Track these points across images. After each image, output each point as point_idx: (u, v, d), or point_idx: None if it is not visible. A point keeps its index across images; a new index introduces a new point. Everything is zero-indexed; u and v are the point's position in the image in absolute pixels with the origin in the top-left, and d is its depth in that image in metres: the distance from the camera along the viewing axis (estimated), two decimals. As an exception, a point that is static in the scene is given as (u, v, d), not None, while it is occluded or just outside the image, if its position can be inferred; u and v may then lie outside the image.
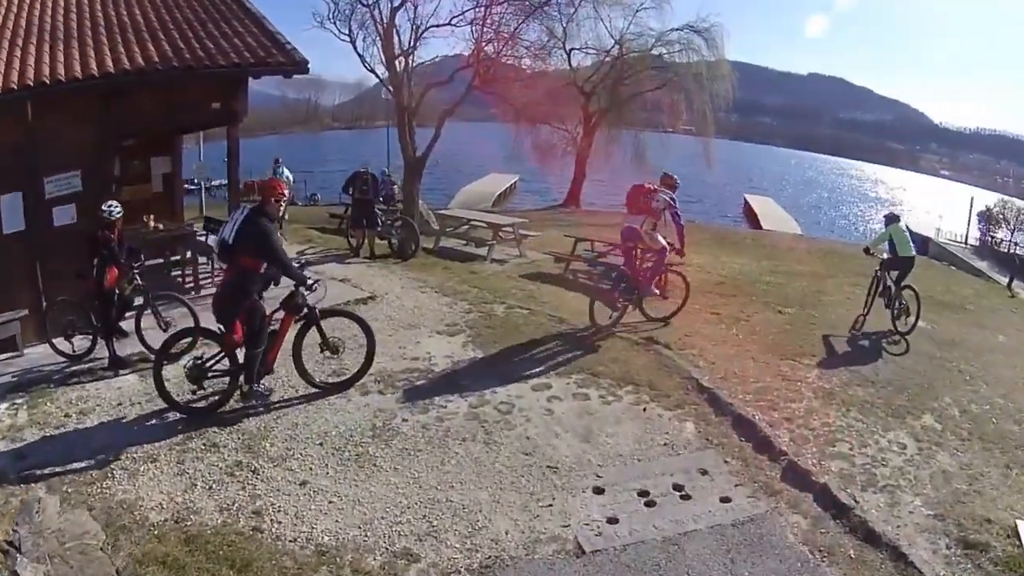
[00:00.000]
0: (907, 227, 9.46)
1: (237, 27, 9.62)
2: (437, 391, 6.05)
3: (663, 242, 7.90)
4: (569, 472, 4.89)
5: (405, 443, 5.13)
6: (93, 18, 9.21)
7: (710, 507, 4.61)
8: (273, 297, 5.96)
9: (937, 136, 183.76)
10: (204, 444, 5.14)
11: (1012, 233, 32.30)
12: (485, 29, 17.18)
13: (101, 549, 3.75)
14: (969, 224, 35.25)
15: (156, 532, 4.04)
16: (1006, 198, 35.89)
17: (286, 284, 5.80)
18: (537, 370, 6.63)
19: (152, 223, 9.37)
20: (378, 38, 16.53)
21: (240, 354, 5.47)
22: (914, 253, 9.02)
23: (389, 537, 4.14)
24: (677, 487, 4.83)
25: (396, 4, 16.46)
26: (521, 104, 22.17)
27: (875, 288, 8.93)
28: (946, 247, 32.32)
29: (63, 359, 6.81)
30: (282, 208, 6.38)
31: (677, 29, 26.79)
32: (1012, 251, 30.67)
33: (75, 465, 4.78)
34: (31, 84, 7.26)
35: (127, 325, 6.98)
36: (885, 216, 9.64)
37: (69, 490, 4.49)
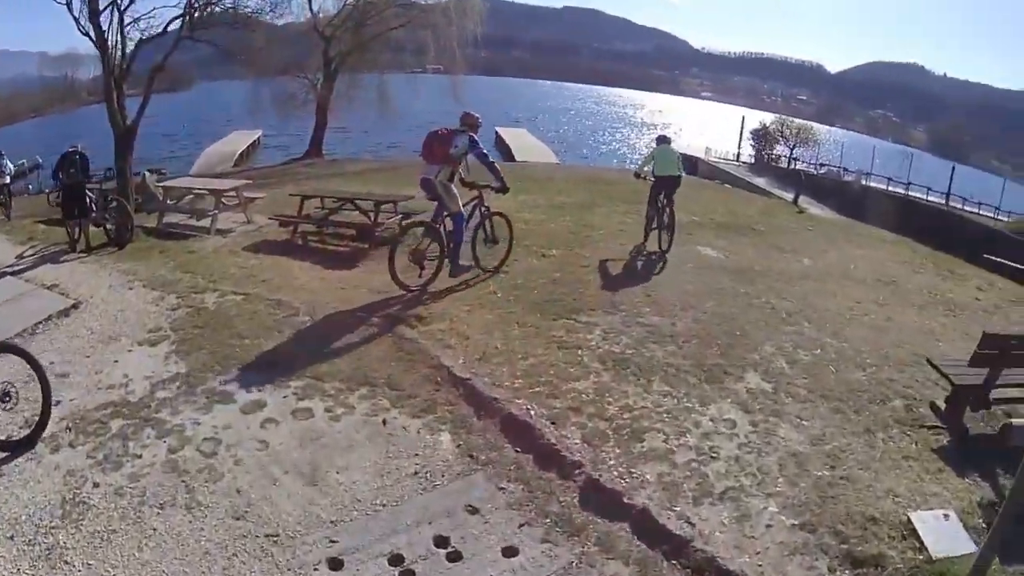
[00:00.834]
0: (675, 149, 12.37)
1: None
2: (132, 433, 6.07)
3: (460, 205, 9.15)
4: (294, 540, 4.81)
5: (96, 522, 5.01)
6: None
7: (490, 568, 4.52)
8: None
9: (699, 61, 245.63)
10: None
11: (792, 150, 40.10)
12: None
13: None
14: (741, 142, 43.06)
15: None
16: (784, 117, 44.67)
17: None
18: (249, 382, 6.80)
19: None
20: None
21: None
22: (669, 173, 11.64)
23: None
24: (440, 542, 4.76)
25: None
26: (254, 53, 27.68)
27: (647, 209, 11.86)
28: (717, 166, 39.55)
29: None
30: None
31: None
32: (793, 167, 37.86)
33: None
34: None
35: None
36: (656, 138, 12.44)
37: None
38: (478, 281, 9.57)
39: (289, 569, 4.60)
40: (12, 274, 10.61)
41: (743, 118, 44.59)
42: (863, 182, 36.08)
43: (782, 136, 41.42)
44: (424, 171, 8.94)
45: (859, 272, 12.27)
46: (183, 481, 5.48)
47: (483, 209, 9.66)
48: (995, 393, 6.20)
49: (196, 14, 20.42)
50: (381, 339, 7.60)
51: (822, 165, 41.13)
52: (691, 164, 43.59)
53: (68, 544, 4.91)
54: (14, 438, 6.13)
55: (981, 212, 35.26)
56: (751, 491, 5.08)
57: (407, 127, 43.97)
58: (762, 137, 42.16)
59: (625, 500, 4.97)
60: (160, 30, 19.93)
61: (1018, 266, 16.63)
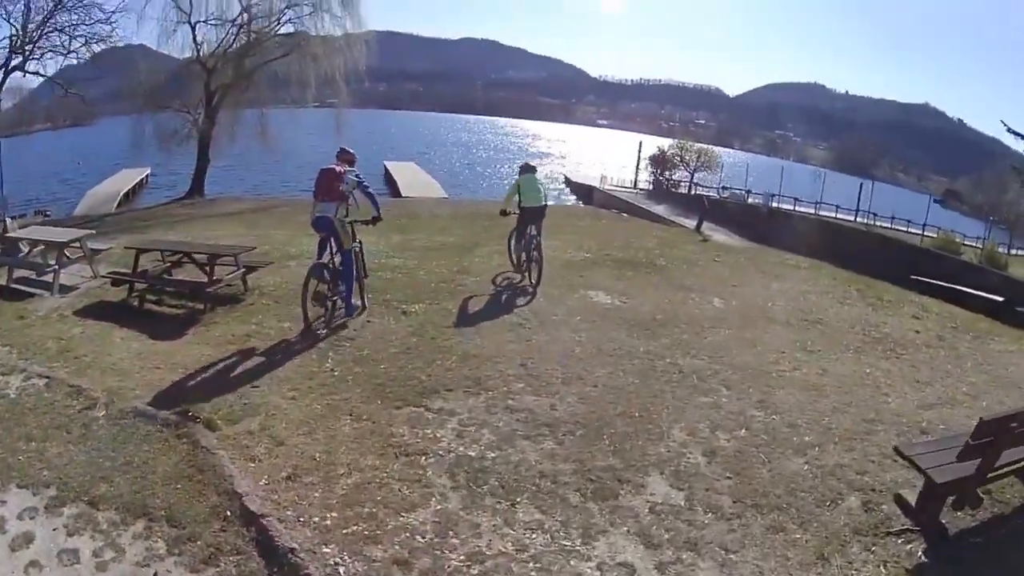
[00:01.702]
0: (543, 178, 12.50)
1: None
2: None
3: (351, 242, 9.28)
4: None
5: None
6: None
7: None
8: None
9: (595, 89, 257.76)
10: None
11: (692, 174, 39.85)
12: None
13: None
14: (638, 169, 42.71)
15: None
16: (682, 141, 44.54)
17: None
18: (24, 505, 5.59)
19: None
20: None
21: None
22: (542, 204, 11.47)
23: None
24: None
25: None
26: (131, 88, 31.11)
27: (514, 244, 11.71)
28: (613, 194, 38.84)
29: None
30: None
31: None
32: (695, 191, 37.47)
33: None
34: None
35: None
36: (520, 167, 12.08)
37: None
38: (289, 355, 8.16)
39: None
40: None
41: (640, 143, 44.31)
42: (771, 204, 35.90)
43: (681, 160, 41.23)
44: (320, 210, 8.90)
45: (779, 310, 11.04)
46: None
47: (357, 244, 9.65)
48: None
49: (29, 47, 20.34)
50: (175, 446, 6.27)
51: (725, 188, 41.11)
52: (586, 193, 43.46)
53: None
54: None
55: (895, 227, 35.67)
56: None
57: (296, 164, 44.60)
58: (660, 162, 41.84)
59: None
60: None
61: (949, 286, 15.88)
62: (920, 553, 4.73)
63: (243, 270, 11.00)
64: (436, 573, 4.54)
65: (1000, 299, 15.17)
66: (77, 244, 13.38)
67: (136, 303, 10.92)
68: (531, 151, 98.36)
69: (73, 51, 26.91)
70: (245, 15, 33.20)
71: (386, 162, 55.11)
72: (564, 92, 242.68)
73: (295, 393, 7.05)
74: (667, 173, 41.60)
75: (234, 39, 33.32)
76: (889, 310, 11.91)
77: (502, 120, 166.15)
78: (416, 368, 7.60)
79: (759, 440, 6.23)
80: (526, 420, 6.48)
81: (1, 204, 23.34)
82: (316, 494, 5.40)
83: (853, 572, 4.54)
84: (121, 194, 40.27)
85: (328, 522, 5.04)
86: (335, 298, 9.16)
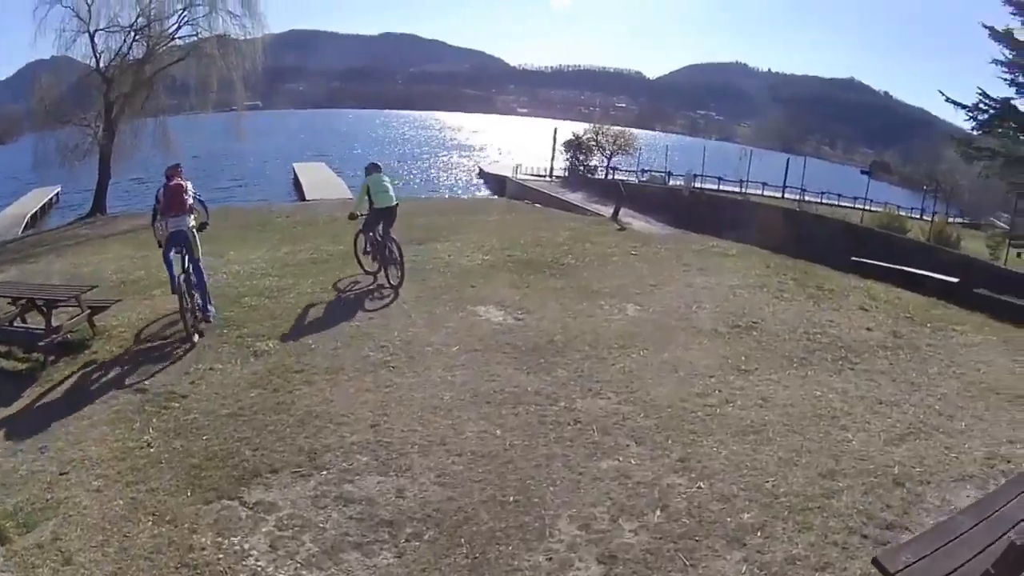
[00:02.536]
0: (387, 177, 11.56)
1: None
2: None
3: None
4: None
5: None
6: None
7: None
8: None
9: (515, 78, 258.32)
10: None
11: (609, 159, 38.29)
12: None
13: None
14: (554, 156, 40.99)
15: None
16: (598, 125, 42.80)
17: None
18: None
19: None
20: None
21: None
22: (394, 203, 11.10)
23: None
24: None
25: None
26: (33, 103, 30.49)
27: (366, 246, 11.41)
28: (527, 184, 36.97)
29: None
30: None
31: None
32: (611, 177, 35.95)
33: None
34: None
35: None
36: (365, 168, 11.64)
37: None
38: (147, 407, 6.92)
39: None
40: None
41: (555, 130, 42.47)
42: (693, 185, 34.38)
43: (597, 145, 39.55)
44: (175, 224, 9.05)
45: (706, 315, 9.44)
46: None
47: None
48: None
49: None
50: None
51: (644, 171, 39.66)
52: (499, 184, 41.87)
53: None
54: None
55: (826, 201, 34.75)
56: None
57: (205, 172, 43.24)
58: (575, 148, 40.16)
59: None
60: None
61: (896, 267, 14.58)
62: None
63: (87, 312, 9.58)
64: None
65: (954, 280, 13.88)
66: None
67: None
68: (450, 143, 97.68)
69: None
70: (141, 19, 31.87)
71: (295, 163, 53.76)
72: (485, 83, 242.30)
73: (101, 482, 5.74)
74: (583, 159, 39.93)
75: (130, 46, 31.98)
76: (833, 302, 10.58)
77: (422, 114, 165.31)
78: (243, 439, 6.16)
79: (679, 527, 4.60)
80: (362, 517, 4.98)
81: None
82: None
83: None
84: (28, 216, 38.38)
85: None
86: (196, 312, 9.05)
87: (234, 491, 5.40)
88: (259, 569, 4.53)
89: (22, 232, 33.30)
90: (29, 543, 5.10)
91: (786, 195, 36.60)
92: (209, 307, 9.29)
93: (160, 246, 9.12)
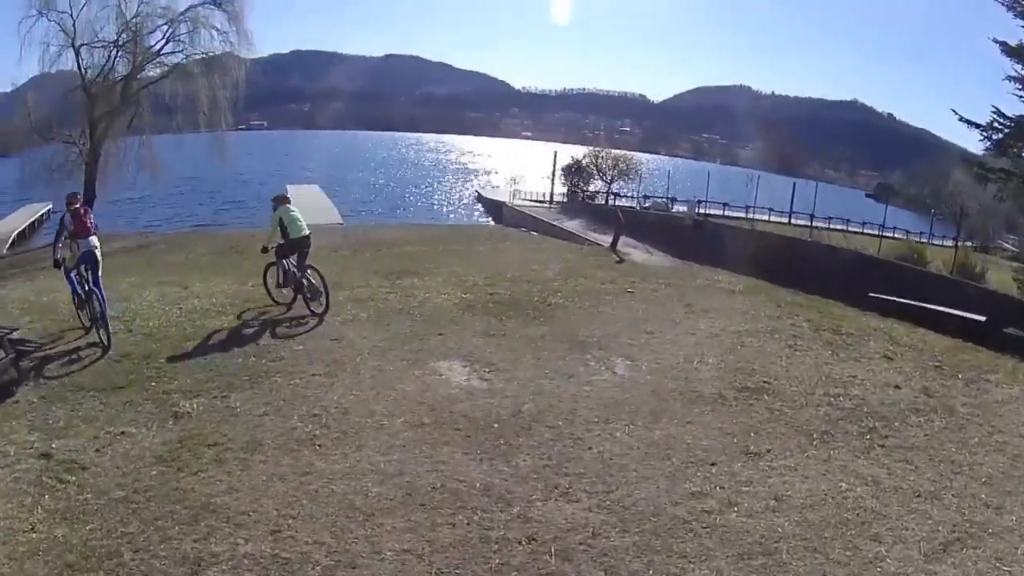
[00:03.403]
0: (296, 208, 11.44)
1: None
2: None
3: None
4: None
5: None
6: None
7: None
8: None
9: (519, 101, 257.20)
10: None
11: (609, 184, 36.80)
12: None
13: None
14: (554, 181, 39.45)
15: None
16: (598, 149, 41.11)
17: None
18: None
19: None
20: None
21: None
22: (307, 232, 11.01)
23: None
24: None
25: None
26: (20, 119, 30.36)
27: (271, 279, 11.30)
28: (523, 210, 35.47)
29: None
30: None
31: (197, 5, 31.56)
32: (612, 204, 34.52)
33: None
34: None
35: None
36: (272, 199, 11.42)
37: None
38: (45, 479, 5.99)
39: None
40: None
41: (555, 154, 40.99)
42: (697, 213, 32.84)
43: (597, 169, 37.98)
44: (87, 245, 9.84)
45: (708, 374, 8.03)
46: None
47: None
48: None
49: None
50: None
51: (646, 197, 38.17)
52: (496, 210, 40.59)
53: None
54: None
55: (832, 227, 33.32)
56: None
57: (205, 192, 44.16)
58: (575, 173, 38.67)
59: None
60: None
61: (913, 303, 13.25)
62: None
63: (12, 356, 8.74)
64: None
65: (981, 319, 12.51)
66: None
67: None
68: (453, 167, 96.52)
69: None
70: (125, 35, 31.06)
71: (288, 185, 51.41)
72: (489, 105, 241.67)
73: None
74: (582, 184, 38.42)
75: (114, 62, 31.23)
76: (853, 349, 9.31)
77: (427, 136, 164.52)
78: (127, 535, 5.08)
79: None
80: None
81: None
82: None
83: None
84: (14, 234, 38.20)
85: None
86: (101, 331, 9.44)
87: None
88: None
89: (7, 250, 32.99)
90: None
91: (793, 220, 35.13)
92: (109, 330, 9.47)
93: (57, 266, 9.69)
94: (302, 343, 9.21)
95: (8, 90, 31.91)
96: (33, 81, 31.27)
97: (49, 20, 28.34)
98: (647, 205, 36.46)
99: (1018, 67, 20.57)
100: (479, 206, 48.17)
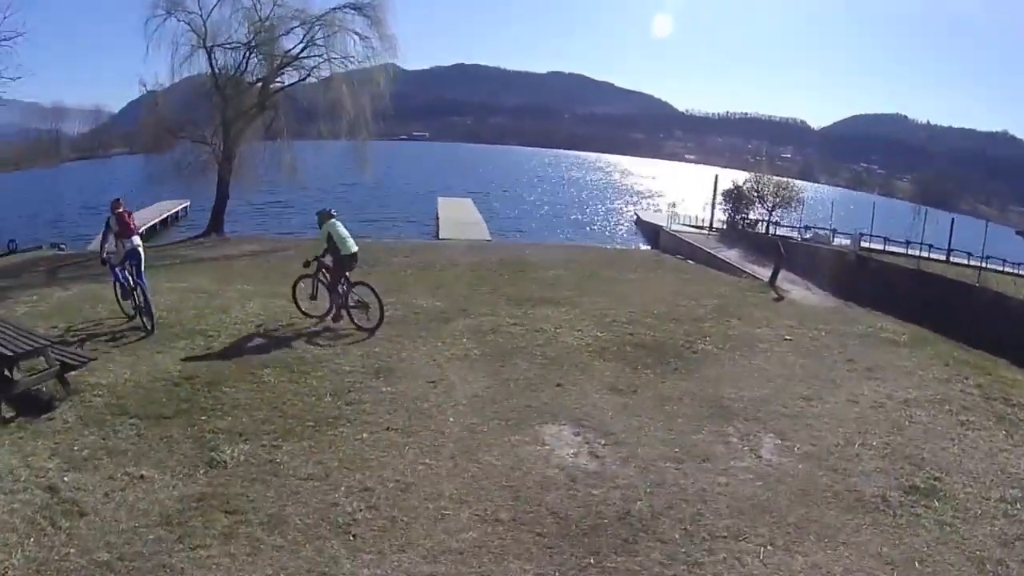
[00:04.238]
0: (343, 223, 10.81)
1: None
2: None
3: None
4: None
5: None
6: None
7: None
8: None
9: (682, 124, 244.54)
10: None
11: (770, 212, 33.40)
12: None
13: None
14: (714, 206, 36.49)
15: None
16: (759, 175, 37.55)
17: None
18: None
19: None
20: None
21: None
22: (355, 249, 10.50)
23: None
24: None
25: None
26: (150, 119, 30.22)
27: (302, 292, 10.85)
28: (680, 236, 32.49)
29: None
30: None
31: (336, 9, 29.79)
32: (772, 233, 31.36)
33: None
34: None
35: None
36: (317, 214, 10.81)
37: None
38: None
39: None
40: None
41: (715, 177, 37.72)
42: (860, 246, 29.07)
43: (758, 196, 34.41)
44: (132, 244, 10.37)
45: (871, 461, 6.38)
46: None
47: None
48: None
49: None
50: None
51: (807, 228, 34.33)
52: (653, 234, 38.12)
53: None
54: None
55: (988, 266, 28.94)
56: None
57: (353, 201, 41.90)
58: (735, 198, 35.27)
59: None
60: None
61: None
62: None
63: (55, 368, 7.62)
64: None
65: None
66: None
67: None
68: (617, 188, 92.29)
69: None
70: (259, 36, 29.67)
71: (440, 198, 48.53)
72: (652, 126, 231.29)
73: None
74: (743, 211, 35.05)
75: (248, 63, 29.90)
76: None
77: (590, 155, 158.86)
78: None
79: None
80: None
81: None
82: None
83: None
84: (142, 229, 36.20)
85: None
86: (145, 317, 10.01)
87: None
88: None
89: None
90: None
91: (952, 259, 30.74)
92: (153, 317, 10.03)
93: (103, 263, 10.53)
94: (393, 384, 7.89)
95: (142, 93, 30.53)
96: (163, 82, 29.43)
97: (178, 20, 26.97)
98: (808, 236, 32.87)
99: None
100: (639, 229, 45.78)
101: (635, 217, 52.35)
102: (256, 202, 37.28)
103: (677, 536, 4.98)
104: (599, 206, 67.45)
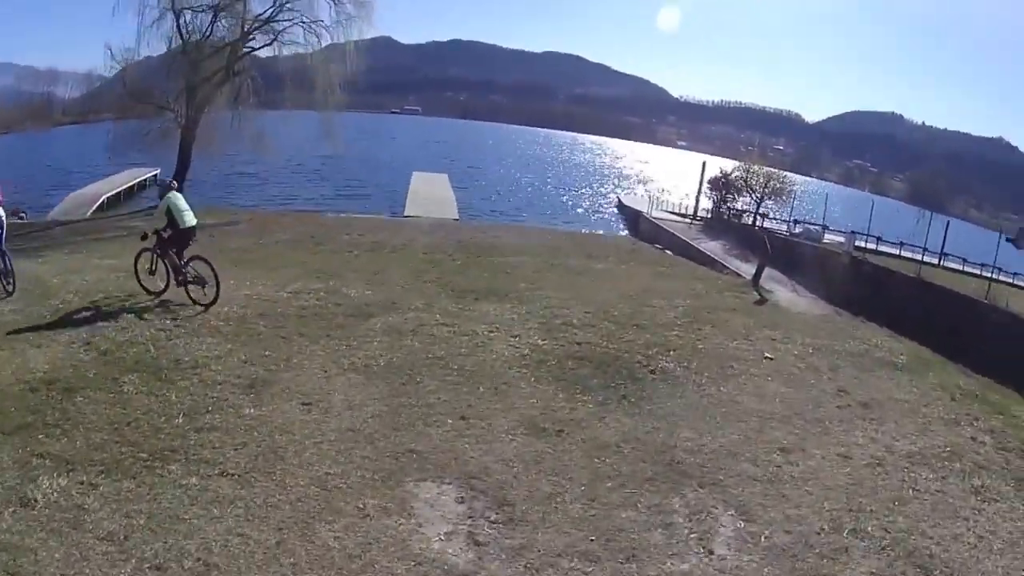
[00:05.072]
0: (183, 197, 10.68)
1: None
2: None
3: None
4: None
5: None
6: None
7: None
8: None
9: (676, 109, 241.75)
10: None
11: (759, 203, 31.50)
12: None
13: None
14: (699, 194, 34.51)
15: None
16: (748, 164, 35.74)
17: None
18: None
19: None
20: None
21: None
22: (194, 223, 10.28)
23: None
24: None
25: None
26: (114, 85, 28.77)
27: (142, 266, 10.38)
28: (661, 224, 30.36)
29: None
30: None
31: None
32: (759, 225, 29.53)
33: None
34: None
35: None
36: (157, 185, 11.37)
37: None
38: None
39: None
40: None
41: (703, 164, 35.79)
42: (854, 247, 26.94)
43: (746, 186, 32.38)
44: None
45: (864, 563, 4.72)
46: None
47: None
48: None
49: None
50: None
51: (797, 222, 32.33)
52: (633, 219, 35.92)
53: None
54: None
55: (984, 274, 27.43)
56: None
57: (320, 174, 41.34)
58: (721, 187, 33.29)
59: None
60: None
61: None
62: None
63: None
64: None
65: None
66: None
67: None
68: (607, 170, 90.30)
69: None
70: (240, 2, 28.66)
71: (415, 172, 46.33)
72: (646, 111, 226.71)
73: None
74: (729, 201, 33.06)
75: (213, 26, 28.60)
76: None
77: (582, 136, 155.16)
78: None
79: None
80: None
81: None
82: None
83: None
84: (104, 197, 33.90)
85: None
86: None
87: None
88: None
89: (90, 214, 29.30)
90: None
91: (944, 263, 29.14)
92: (15, 281, 9.97)
93: None
94: (261, 404, 6.33)
95: (107, 59, 29.10)
96: (130, 47, 28.39)
97: None
98: (798, 231, 30.93)
99: None
100: (621, 215, 43.72)
101: (617, 201, 50.39)
102: (227, 171, 36.60)
103: None
104: (586, 189, 65.66)
